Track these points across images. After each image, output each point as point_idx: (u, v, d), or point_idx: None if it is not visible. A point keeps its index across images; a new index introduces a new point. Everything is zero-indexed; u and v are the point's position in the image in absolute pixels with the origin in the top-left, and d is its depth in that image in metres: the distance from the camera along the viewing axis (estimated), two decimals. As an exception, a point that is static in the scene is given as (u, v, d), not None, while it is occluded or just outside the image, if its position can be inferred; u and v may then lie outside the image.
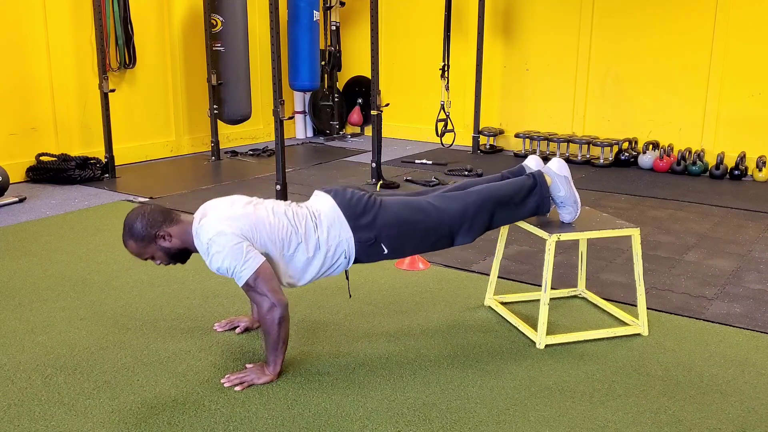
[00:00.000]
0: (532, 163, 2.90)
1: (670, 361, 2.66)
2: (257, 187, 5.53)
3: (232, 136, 7.41)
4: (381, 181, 5.60)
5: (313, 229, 2.51)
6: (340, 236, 2.52)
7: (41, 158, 5.68)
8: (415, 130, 7.97)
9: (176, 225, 2.48)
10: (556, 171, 2.79)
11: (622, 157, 6.54)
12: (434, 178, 5.82)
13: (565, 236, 2.76)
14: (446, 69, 6.77)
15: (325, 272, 2.58)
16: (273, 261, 2.46)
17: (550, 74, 7.10)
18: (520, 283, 3.46)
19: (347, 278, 2.79)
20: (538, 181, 2.76)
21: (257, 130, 7.71)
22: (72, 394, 2.36)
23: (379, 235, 2.54)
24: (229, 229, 2.38)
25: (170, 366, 2.56)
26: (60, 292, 3.28)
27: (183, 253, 2.52)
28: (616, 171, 6.38)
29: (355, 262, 2.61)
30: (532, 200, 2.75)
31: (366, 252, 2.57)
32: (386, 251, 2.58)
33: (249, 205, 2.52)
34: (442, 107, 6.72)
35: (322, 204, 2.58)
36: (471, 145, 7.33)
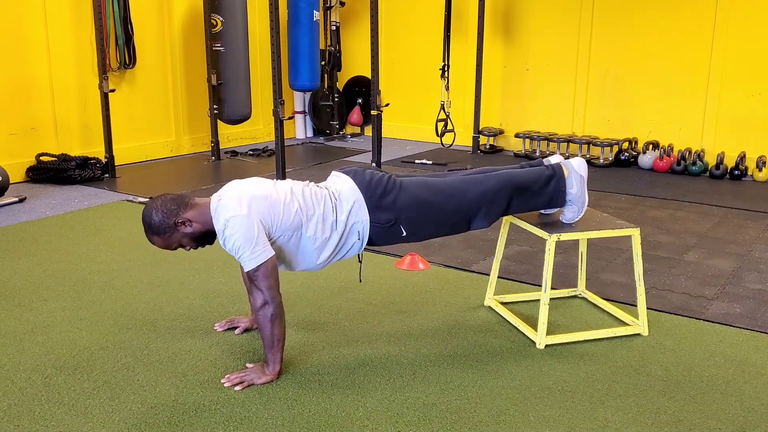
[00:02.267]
0: (554, 159, 2.91)
1: (670, 361, 2.66)
2: (257, 187, 5.52)
3: (232, 136, 7.41)
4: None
5: (331, 209, 2.50)
6: (357, 217, 2.52)
7: (41, 158, 5.68)
8: (415, 130, 7.97)
9: (193, 209, 2.45)
10: (576, 167, 2.80)
11: (622, 157, 6.54)
12: (434, 178, 5.81)
13: (565, 236, 2.76)
14: (446, 69, 6.77)
15: (339, 254, 2.57)
16: (289, 243, 2.46)
17: (550, 74, 7.10)
18: (520, 283, 3.46)
19: (360, 261, 2.79)
20: (556, 173, 2.77)
21: (257, 130, 7.71)
22: (72, 394, 2.36)
23: (399, 217, 2.54)
24: (247, 211, 2.36)
25: (170, 366, 2.56)
26: (60, 292, 3.28)
27: (208, 235, 2.47)
28: (616, 171, 6.39)
29: (370, 245, 2.60)
30: (549, 190, 2.75)
31: (384, 234, 2.57)
32: (405, 233, 2.58)
33: (270, 187, 2.50)
34: (442, 107, 6.72)
35: (342, 184, 2.58)
36: (471, 145, 7.33)
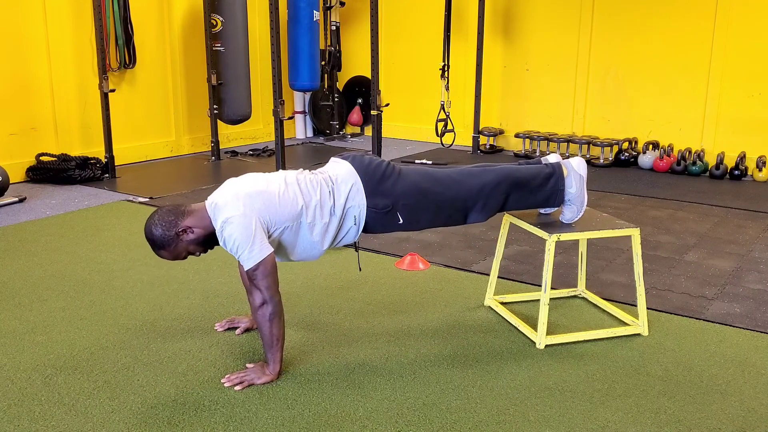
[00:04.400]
0: (552, 158, 2.91)
1: (670, 361, 2.66)
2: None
3: (232, 136, 7.41)
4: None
5: (328, 195, 2.51)
6: (354, 201, 2.52)
7: (41, 158, 5.68)
8: (415, 130, 7.97)
9: (191, 215, 2.45)
10: (575, 167, 2.79)
11: (622, 157, 6.54)
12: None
13: (565, 236, 2.76)
14: (446, 69, 6.77)
15: (336, 239, 2.57)
16: (288, 234, 2.46)
17: (550, 74, 7.10)
18: (520, 283, 3.46)
19: (357, 250, 2.80)
20: (555, 171, 2.77)
21: (257, 130, 7.71)
22: (72, 394, 2.36)
23: (396, 203, 2.55)
24: (243, 209, 2.37)
25: (170, 366, 2.56)
26: (60, 292, 3.28)
27: (211, 237, 2.47)
28: (616, 171, 6.38)
29: (366, 231, 2.60)
30: (547, 188, 2.75)
31: (380, 220, 2.57)
32: (401, 221, 2.58)
33: (264, 182, 2.49)
34: (442, 107, 6.72)
35: (340, 168, 2.58)
36: (471, 145, 7.33)
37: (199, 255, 2.52)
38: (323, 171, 2.62)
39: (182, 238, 2.43)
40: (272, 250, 2.39)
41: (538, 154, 6.90)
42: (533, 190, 2.74)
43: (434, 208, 2.62)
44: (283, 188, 2.47)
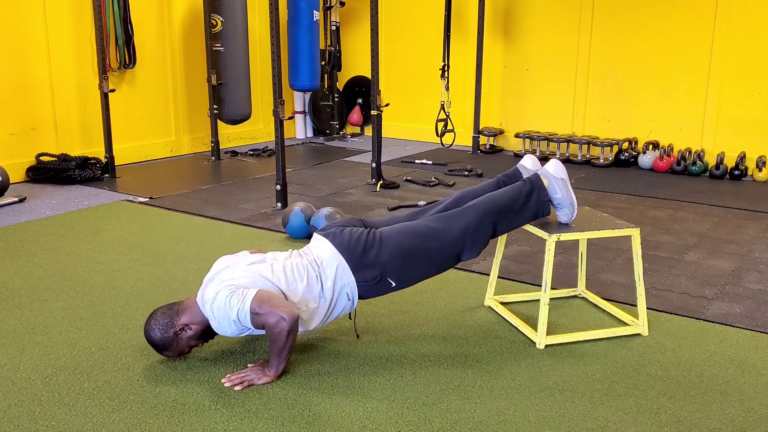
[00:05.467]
0: (528, 163, 2.89)
1: (670, 361, 2.66)
2: (257, 187, 5.53)
3: (232, 136, 7.41)
4: (381, 181, 5.61)
5: (315, 279, 2.52)
6: (343, 280, 2.53)
7: (41, 158, 5.68)
8: (415, 130, 7.98)
9: (185, 313, 2.51)
10: (553, 173, 2.77)
11: (622, 157, 6.54)
12: (434, 178, 5.82)
13: (565, 236, 2.76)
14: (446, 69, 6.77)
15: (331, 317, 2.60)
16: None
17: (550, 74, 7.10)
18: (520, 283, 3.46)
19: (351, 318, 2.80)
20: (535, 185, 2.74)
21: (257, 130, 7.71)
22: (72, 394, 2.36)
23: (384, 270, 2.55)
24: (225, 288, 2.41)
25: (170, 366, 2.56)
26: (60, 292, 3.28)
27: (209, 330, 2.53)
28: (616, 171, 6.39)
29: (361, 299, 2.61)
30: (531, 205, 2.74)
31: (372, 289, 2.58)
32: (393, 284, 2.59)
33: (251, 275, 2.50)
34: (442, 107, 6.72)
35: (322, 249, 2.58)
36: (471, 145, 7.33)
37: (202, 346, 2.61)
38: (309, 252, 2.62)
39: (181, 336, 2.50)
40: (258, 287, 2.42)
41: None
42: (518, 211, 2.72)
43: (424, 263, 2.61)
44: (270, 275, 2.49)
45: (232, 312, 2.36)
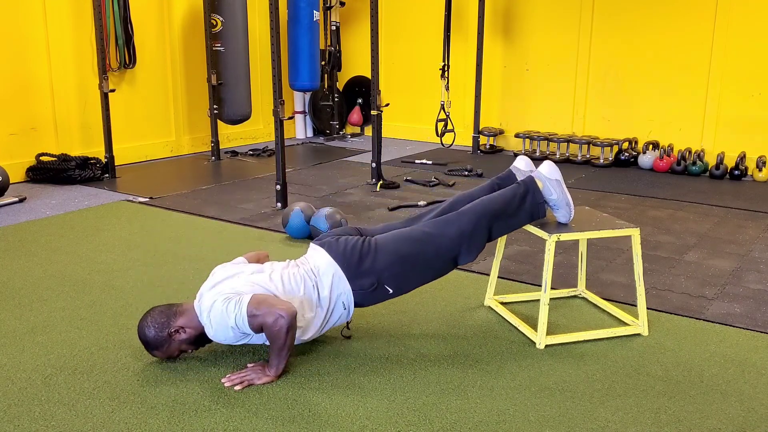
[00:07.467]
0: (521, 164, 2.89)
1: (670, 361, 2.66)
2: (257, 187, 5.53)
3: (232, 136, 7.41)
4: (381, 181, 5.61)
5: (312, 288, 2.53)
6: (339, 289, 2.54)
7: (41, 158, 5.68)
8: (415, 130, 7.98)
9: (182, 315, 2.51)
10: (547, 175, 2.77)
11: (622, 157, 6.54)
12: (434, 178, 5.82)
13: (565, 236, 2.76)
14: (446, 69, 6.77)
15: (327, 326, 2.60)
16: None
17: (550, 74, 7.10)
18: (520, 283, 3.46)
19: (348, 327, 2.80)
20: (529, 188, 2.75)
21: (257, 130, 7.71)
22: (72, 394, 2.36)
23: (381, 277, 2.55)
24: (221, 297, 2.42)
25: (170, 366, 2.56)
26: (60, 292, 3.28)
27: (203, 336, 2.53)
28: (616, 171, 6.39)
29: (359, 307, 2.62)
30: (527, 208, 2.74)
31: (369, 297, 2.59)
32: (391, 291, 2.59)
33: (249, 284, 2.51)
34: (442, 107, 6.72)
35: (319, 259, 2.58)
36: (471, 145, 7.33)
37: (191, 352, 2.60)
38: (306, 261, 2.63)
39: (174, 338, 2.49)
40: (253, 291, 2.43)
41: (538, 153, 6.90)
42: (513, 213, 2.73)
43: (421, 269, 2.62)
44: (268, 284, 2.50)
45: (230, 319, 2.37)
